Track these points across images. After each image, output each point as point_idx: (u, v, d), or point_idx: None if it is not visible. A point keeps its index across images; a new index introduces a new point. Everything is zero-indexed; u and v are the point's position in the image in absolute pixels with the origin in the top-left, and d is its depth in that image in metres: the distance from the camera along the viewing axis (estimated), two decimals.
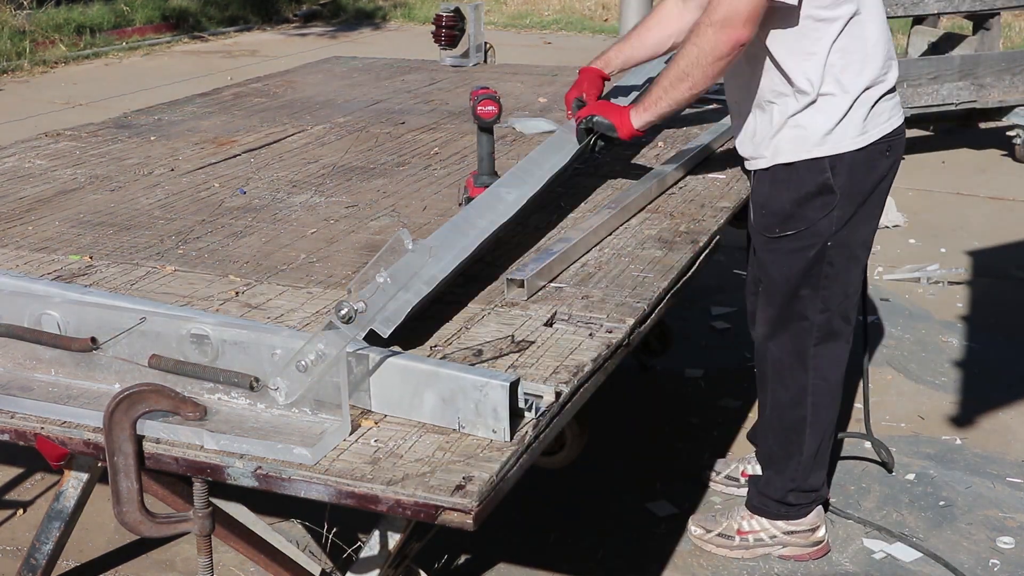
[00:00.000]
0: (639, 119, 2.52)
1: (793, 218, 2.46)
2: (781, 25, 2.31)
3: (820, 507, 2.78)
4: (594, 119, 2.60)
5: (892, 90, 2.45)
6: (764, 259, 2.58)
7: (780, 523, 2.74)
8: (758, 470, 2.97)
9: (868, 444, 3.20)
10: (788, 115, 2.40)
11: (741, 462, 3.09)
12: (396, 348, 1.80)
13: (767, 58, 2.37)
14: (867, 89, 2.37)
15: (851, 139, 2.38)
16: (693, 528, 2.83)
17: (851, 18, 2.31)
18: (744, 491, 2.96)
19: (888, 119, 2.44)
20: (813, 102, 2.36)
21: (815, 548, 2.76)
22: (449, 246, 2.12)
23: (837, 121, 2.37)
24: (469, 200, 2.50)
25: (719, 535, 2.78)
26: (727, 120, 3.20)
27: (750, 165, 2.53)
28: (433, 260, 1.99)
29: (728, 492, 3.06)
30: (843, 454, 3.27)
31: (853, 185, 2.42)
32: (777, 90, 2.40)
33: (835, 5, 2.29)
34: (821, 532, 2.76)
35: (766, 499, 2.75)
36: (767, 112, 2.44)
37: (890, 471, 3.15)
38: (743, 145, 2.54)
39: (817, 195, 2.42)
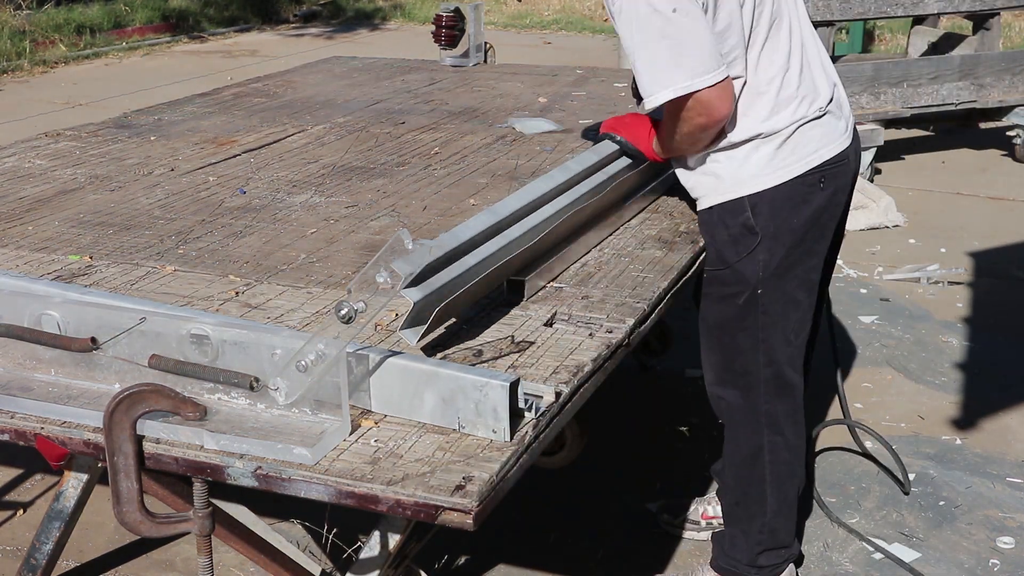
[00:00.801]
0: (662, 153, 2.45)
1: (719, 261, 2.33)
2: None
3: (792, 565, 2.61)
4: (617, 138, 2.53)
5: (821, 117, 2.27)
6: (702, 301, 2.45)
7: None
8: (719, 511, 2.77)
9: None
10: (698, 161, 2.31)
11: (700, 503, 2.93)
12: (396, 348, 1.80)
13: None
14: (776, 122, 2.22)
15: (766, 176, 2.24)
16: None
17: (743, 53, 2.18)
18: (704, 534, 2.85)
19: (816, 149, 2.26)
20: (722, 149, 2.26)
21: None
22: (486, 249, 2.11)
23: (744, 159, 2.24)
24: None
25: None
26: None
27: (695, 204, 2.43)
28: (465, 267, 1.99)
29: (688, 536, 2.90)
30: (843, 455, 3.27)
31: (779, 224, 2.26)
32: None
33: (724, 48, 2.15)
34: None
35: (735, 561, 2.56)
36: (686, 160, 2.36)
37: (906, 492, 3.07)
38: (686, 186, 2.43)
39: (739, 237, 2.28)
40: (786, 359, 2.39)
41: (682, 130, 2.22)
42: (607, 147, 2.55)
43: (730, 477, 2.55)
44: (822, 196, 2.29)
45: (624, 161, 2.57)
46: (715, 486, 2.91)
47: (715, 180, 2.29)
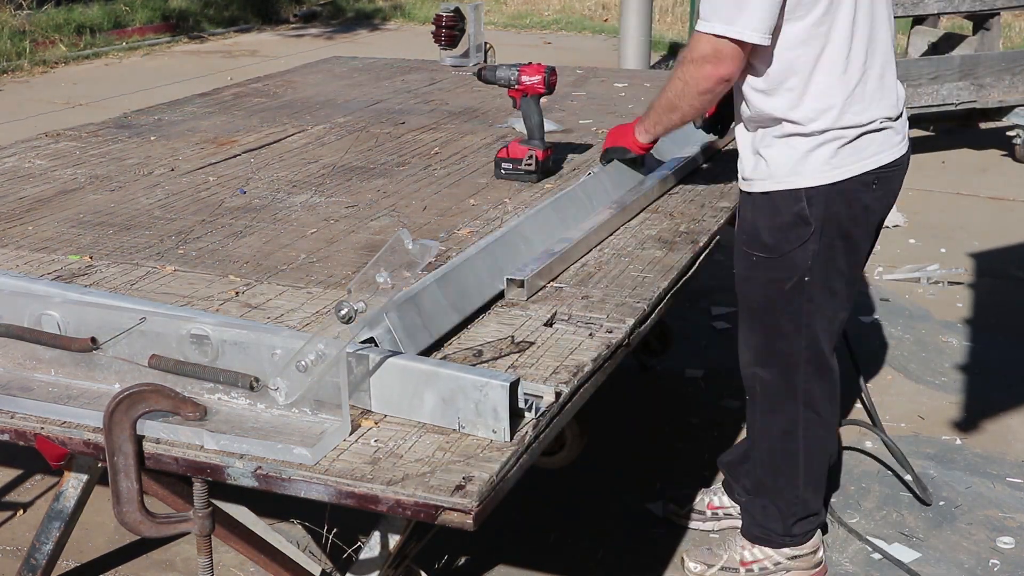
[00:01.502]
0: (644, 137, 2.65)
1: (769, 247, 2.41)
2: (753, 60, 2.29)
3: (819, 530, 2.72)
4: (609, 151, 2.75)
5: (885, 127, 2.36)
6: (743, 284, 2.51)
7: (785, 550, 2.67)
8: (725, 502, 2.91)
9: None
10: (765, 146, 2.37)
11: (706, 494, 2.97)
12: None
13: (745, 89, 2.35)
14: (847, 120, 2.31)
15: (822, 173, 2.32)
16: (692, 565, 2.74)
17: (820, 54, 2.26)
18: (710, 525, 2.91)
19: (875, 154, 2.35)
20: (787, 135, 2.32)
21: (816, 569, 2.70)
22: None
23: (808, 152, 2.32)
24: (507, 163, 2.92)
25: (722, 569, 2.70)
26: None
27: (740, 185, 2.49)
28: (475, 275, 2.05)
29: (694, 527, 2.93)
30: (844, 455, 3.27)
31: (830, 217, 2.35)
32: (756, 120, 2.37)
33: (803, 44, 2.25)
34: (820, 553, 2.71)
35: (767, 529, 2.67)
36: (751, 140, 2.42)
37: (927, 504, 3.05)
38: (739, 166, 2.49)
39: (791, 226, 2.36)
40: (826, 343, 2.50)
41: (690, 76, 2.32)
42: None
43: (764, 452, 2.64)
44: (873, 197, 2.38)
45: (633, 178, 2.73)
46: (720, 477, 2.96)
47: (777, 167, 2.36)
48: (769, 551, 2.68)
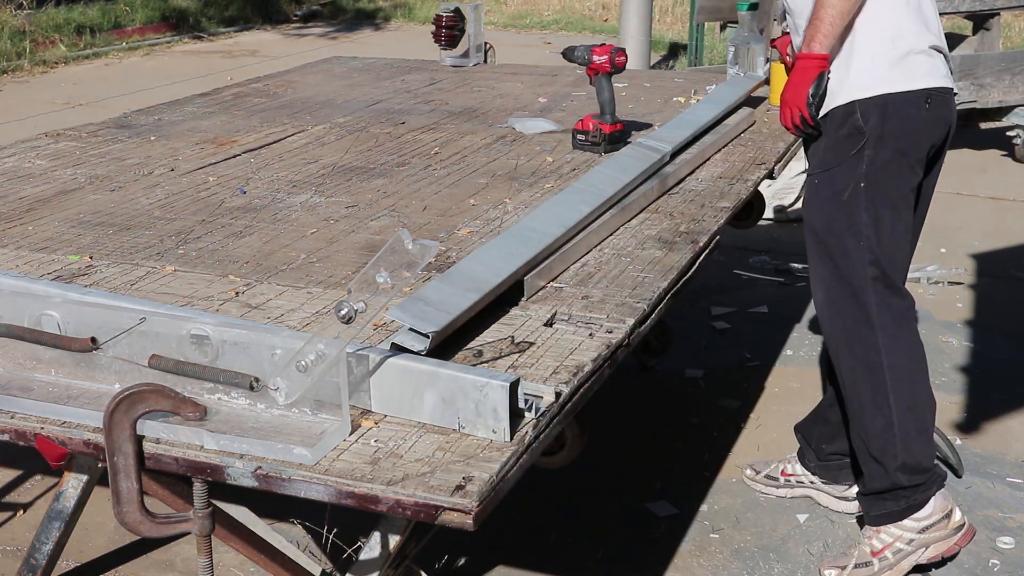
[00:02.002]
0: (821, 46, 2.51)
1: (825, 160, 2.55)
2: None
3: (944, 489, 2.61)
4: (811, 94, 2.55)
5: (937, 54, 2.53)
6: (807, 211, 2.63)
7: (908, 522, 2.57)
8: (798, 470, 2.97)
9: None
10: (844, 56, 2.54)
11: (781, 462, 3.04)
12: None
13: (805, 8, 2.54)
14: (900, 42, 2.49)
15: (878, 84, 2.48)
16: (828, 572, 2.66)
17: None
18: (783, 491, 2.99)
19: (927, 74, 2.51)
20: (851, 51, 2.51)
21: (960, 534, 2.58)
22: (507, 253, 2.15)
23: (862, 68, 2.48)
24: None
25: (856, 567, 2.62)
26: (719, 113, 3.27)
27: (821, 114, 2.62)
28: (484, 267, 2.04)
29: (767, 492, 3.03)
30: None
31: (885, 129, 2.48)
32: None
33: None
34: (957, 514, 2.57)
35: (880, 500, 2.58)
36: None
37: (959, 475, 3.09)
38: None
39: (847, 137, 2.51)
40: (888, 262, 2.53)
41: None
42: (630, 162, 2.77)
43: (854, 397, 2.59)
44: (925, 115, 2.51)
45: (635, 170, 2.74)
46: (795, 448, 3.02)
47: (839, 83, 2.52)
48: (895, 530, 2.57)
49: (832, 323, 2.60)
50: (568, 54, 3.22)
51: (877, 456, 2.56)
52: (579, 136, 3.20)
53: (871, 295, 2.51)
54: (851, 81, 2.51)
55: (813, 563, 2.77)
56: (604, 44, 3.20)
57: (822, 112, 2.56)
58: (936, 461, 2.65)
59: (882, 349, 2.52)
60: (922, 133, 2.53)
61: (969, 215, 5.63)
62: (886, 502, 2.60)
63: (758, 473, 3.06)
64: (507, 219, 2.63)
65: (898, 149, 2.51)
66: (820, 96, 2.54)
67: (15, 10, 10.64)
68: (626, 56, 3.17)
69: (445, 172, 3.09)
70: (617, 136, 3.17)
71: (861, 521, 2.81)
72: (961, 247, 5.11)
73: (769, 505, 3.03)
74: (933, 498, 2.59)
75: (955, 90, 2.61)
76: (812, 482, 2.97)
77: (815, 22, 2.56)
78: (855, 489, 2.89)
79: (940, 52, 2.57)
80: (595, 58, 3.14)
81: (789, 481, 3.00)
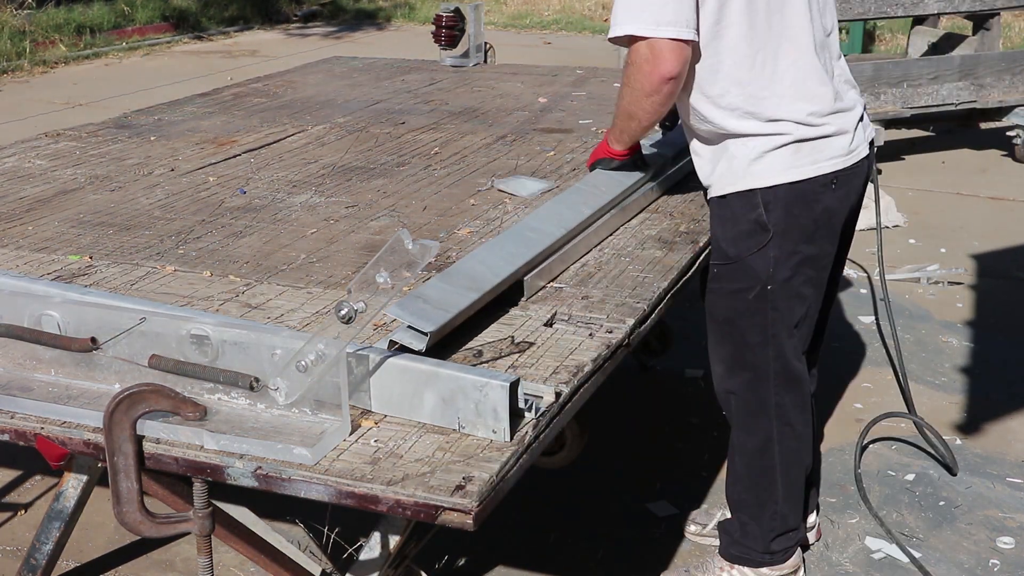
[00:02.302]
0: (617, 145, 2.62)
1: (725, 257, 2.36)
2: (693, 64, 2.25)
3: (799, 549, 2.67)
4: (595, 165, 2.71)
5: (842, 132, 2.31)
6: (707, 299, 2.48)
7: (764, 570, 2.62)
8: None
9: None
10: (717, 146, 2.34)
11: (726, 510, 2.91)
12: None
13: (686, 93, 2.31)
14: (798, 124, 2.26)
15: (781, 173, 2.27)
16: None
17: (760, 52, 2.23)
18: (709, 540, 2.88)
19: (833, 157, 2.30)
20: (737, 136, 2.29)
21: None
22: (507, 252, 2.16)
23: (762, 152, 2.27)
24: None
25: None
26: None
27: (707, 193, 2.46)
28: (484, 267, 2.04)
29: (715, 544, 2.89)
30: (843, 454, 3.27)
31: (790, 222, 2.29)
32: (703, 125, 2.33)
33: (710, 44, 2.22)
34: (800, 573, 2.67)
35: (747, 548, 2.61)
36: (701, 143, 2.39)
37: (953, 474, 3.12)
38: (698, 171, 2.47)
39: (748, 234, 2.31)
40: (792, 351, 2.44)
41: (633, 80, 2.26)
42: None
43: (741, 467, 2.59)
44: (833, 197, 2.32)
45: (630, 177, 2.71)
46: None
47: (730, 165, 2.31)
48: (748, 571, 2.62)
49: (728, 400, 2.54)
50: None
51: (753, 518, 2.60)
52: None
53: (771, 387, 2.45)
54: (750, 161, 2.28)
55: (813, 563, 2.77)
56: None
57: (711, 193, 2.37)
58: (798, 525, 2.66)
59: (775, 438, 2.51)
60: (831, 215, 2.33)
61: (969, 215, 5.62)
62: (752, 551, 2.62)
63: (704, 527, 2.94)
64: (507, 219, 2.63)
65: (805, 238, 2.32)
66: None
67: (15, 10, 10.63)
68: None
69: (445, 172, 3.09)
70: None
71: None
72: (961, 247, 5.11)
73: None
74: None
75: (867, 149, 2.40)
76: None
77: (613, 119, 2.50)
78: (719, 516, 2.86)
79: (854, 119, 2.35)
80: None
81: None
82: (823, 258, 2.39)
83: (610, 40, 2.26)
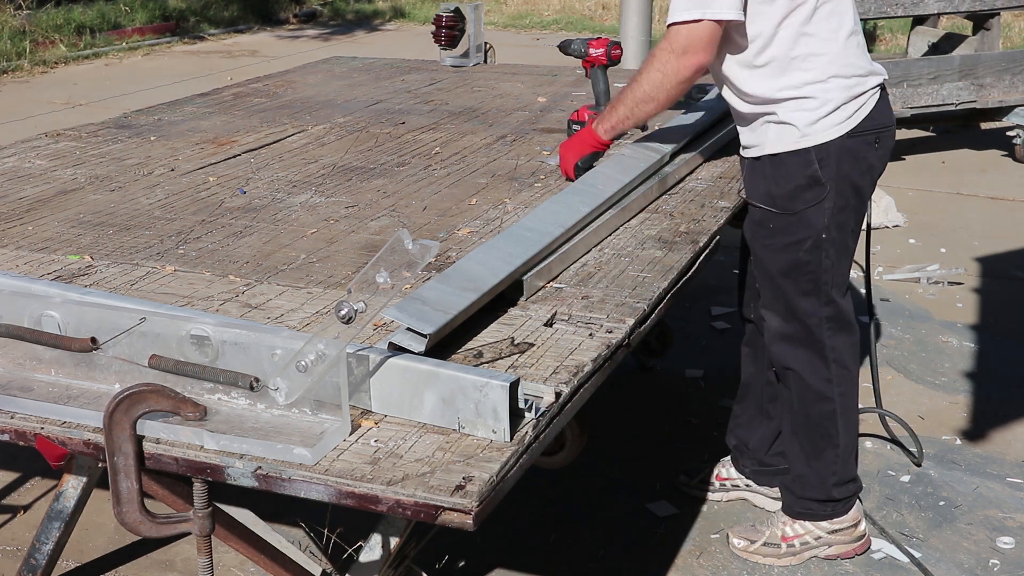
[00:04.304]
0: (608, 135, 2.70)
1: (785, 209, 2.50)
2: (735, 37, 2.40)
3: (859, 501, 2.77)
4: (578, 165, 2.79)
5: (881, 89, 2.51)
6: (761, 256, 2.61)
7: (824, 523, 2.73)
8: (732, 473, 3.02)
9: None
10: (769, 110, 2.46)
11: (716, 466, 3.07)
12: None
13: (724, 68, 2.47)
14: (848, 86, 2.43)
15: (834, 127, 2.43)
16: (736, 541, 2.80)
17: (796, 20, 2.38)
18: (718, 495, 3.02)
19: (877, 116, 2.49)
20: (790, 99, 2.43)
21: (859, 543, 2.75)
22: (506, 252, 2.16)
23: (815, 111, 2.42)
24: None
25: (764, 544, 2.76)
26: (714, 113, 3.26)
27: (745, 153, 2.59)
28: (483, 267, 2.04)
29: (704, 497, 3.04)
30: None
31: (842, 175, 2.46)
32: (754, 90, 2.46)
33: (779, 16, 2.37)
34: (862, 526, 2.75)
35: (808, 501, 2.73)
36: (753, 107, 2.51)
37: (919, 465, 3.19)
38: (741, 134, 2.60)
39: (807, 187, 2.47)
40: (840, 297, 2.59)
41: (667, 66, 2.42)
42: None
43: (801, 419, 2.68)
44: (876, 155, 2.52)
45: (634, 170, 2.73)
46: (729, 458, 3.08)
47: (784, 130, 2.46)
48: (810, 525, 2.73)
49: (784, 351, 2.65)
50: (564, 47, 3.24)
51: (818, 469, 2.71)
52: (574, 126, 3.16)
53: (825, 332, 2.59)
54: (807, 122, 2.44)
55: (813, 562, 2.77)
56: (600, 37, 3.21)
57: (763, 152, 2.51)
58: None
59: (833, 379, 2.63)
60: (872, 171, 2.54)
61: (969, 215, 5.62)
62: (813, 504, 2.74)
63: (692, 478, 3.07)
64: (507, 219, 2.63)
65: (854, 192, 2.50)
66: (587, 168, 2.75)
67: (15, 10, 10.64)
68: (622, 50, 3.17)
69: (445, 172, 3.09)
70: None
71: None
72: (961, 247, 5.11)
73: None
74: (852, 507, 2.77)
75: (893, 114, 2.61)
76: (747, 485, 3.02)
77: (616, 106, 2.62)
78: None
79: (879, 74, 2.53)
80: (591, 51, 3.15)
81: (724, 485, 3.04)
82: (863, 212, 2.60)
83: (675, 21, 2.36)
